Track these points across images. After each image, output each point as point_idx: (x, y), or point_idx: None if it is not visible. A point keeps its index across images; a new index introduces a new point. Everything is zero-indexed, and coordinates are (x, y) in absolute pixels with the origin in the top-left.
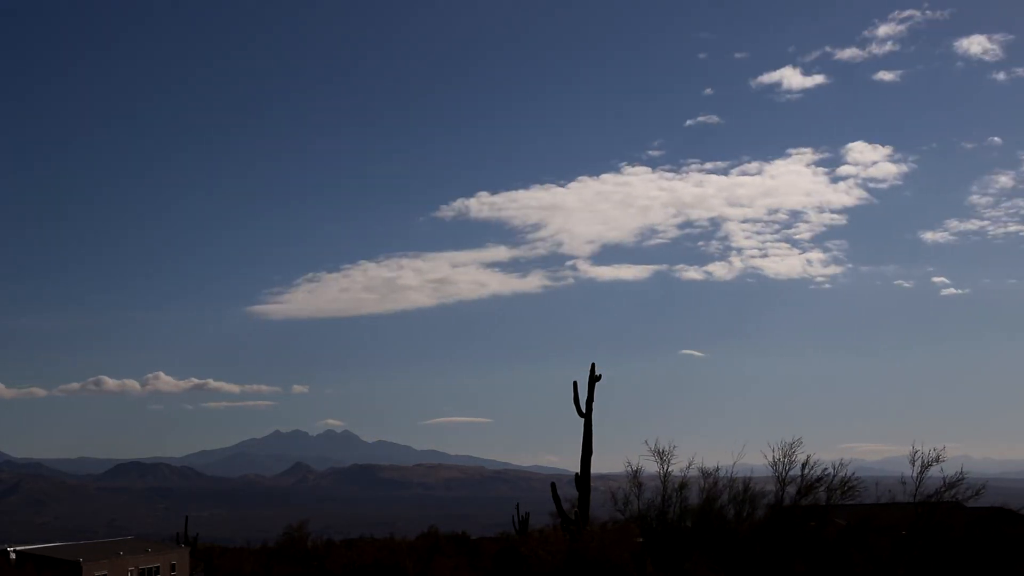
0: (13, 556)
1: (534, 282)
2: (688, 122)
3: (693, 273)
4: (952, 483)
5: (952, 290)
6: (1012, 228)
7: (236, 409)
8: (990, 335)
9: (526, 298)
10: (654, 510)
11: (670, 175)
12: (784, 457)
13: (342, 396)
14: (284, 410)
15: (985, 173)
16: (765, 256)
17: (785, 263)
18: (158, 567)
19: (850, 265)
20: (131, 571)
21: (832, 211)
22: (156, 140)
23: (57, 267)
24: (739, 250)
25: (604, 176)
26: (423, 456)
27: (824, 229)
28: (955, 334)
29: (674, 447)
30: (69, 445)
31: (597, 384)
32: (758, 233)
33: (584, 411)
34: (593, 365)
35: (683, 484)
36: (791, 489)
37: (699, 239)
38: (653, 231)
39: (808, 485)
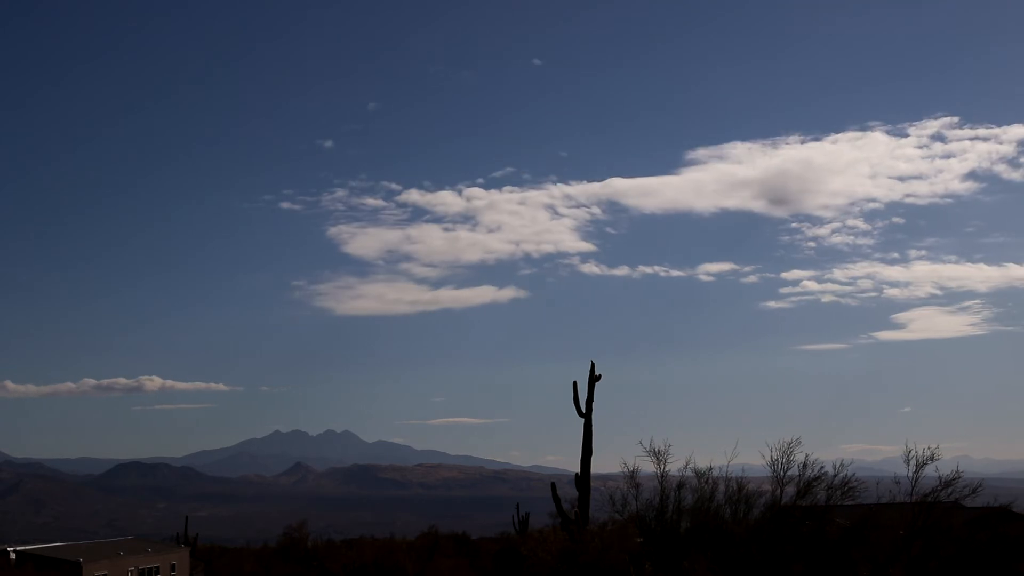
0: (13, 556)
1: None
2: None
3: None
4: (948, 481)
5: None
6: None
7: (236, 409)
8: (990, 334)
9: (526, 298)
10: (652, 511)
11: None
12: (783, 457)
13: (342, 396)
14: (284, 410)
15: None
16: None
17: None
18: (158, 567)
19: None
20: (131, 571)
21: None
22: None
23: (59, 267)
24: None
25: None
26: (423, 456)
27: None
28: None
29: (670, 447)
30: (69, 445)
31: (597, 384)
32: None
33: (584, 411)
34: (593, 365)
35: (680, 484)
36: (790, 489)
37: None
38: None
39: (807, 485)
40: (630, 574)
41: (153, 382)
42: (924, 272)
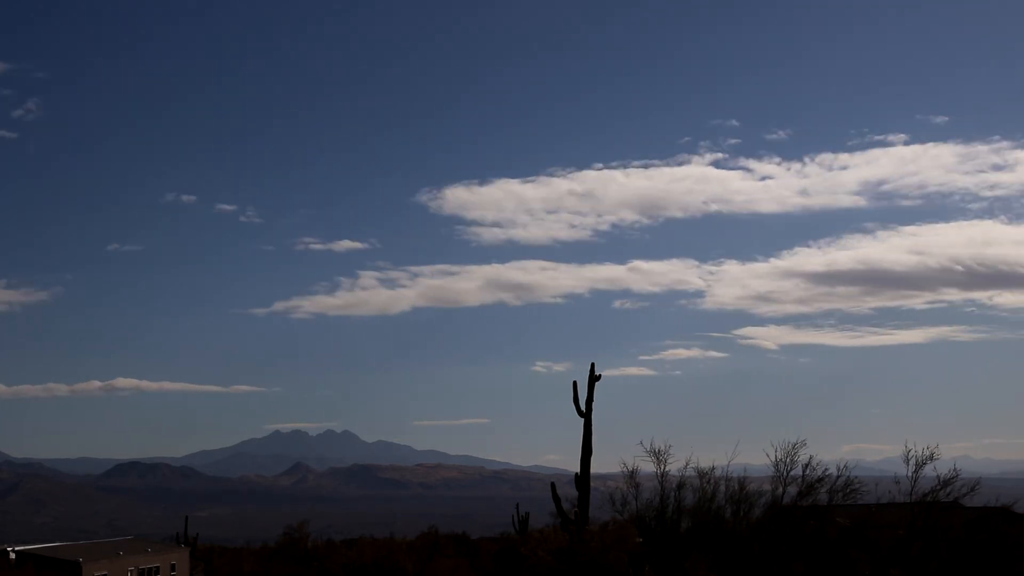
0: (13, 556)
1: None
2: None
3: None
4: (947, 481)
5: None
6: None
7: (236, 409)
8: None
9: (527, 298)
10: (652, 511)
11: None
12: (786, 457)
13: (342, 396)
14: (284, 410)
15: None
16: None
17: None
18: (158, 567)
19: None
20: (131, 571)
21: None
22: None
23: (57, 267)
24: None
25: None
26: (423, 456)
27: None
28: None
29: (670, 447)
30: (69, 445)
31: (597, 384)
32: None
33: (584, 411)
34: (593, 365)
35: (681, 484)
36: (792, 489)
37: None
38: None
39: (809, 485)
40: (629, 574)
41: (154, 382)
42: None
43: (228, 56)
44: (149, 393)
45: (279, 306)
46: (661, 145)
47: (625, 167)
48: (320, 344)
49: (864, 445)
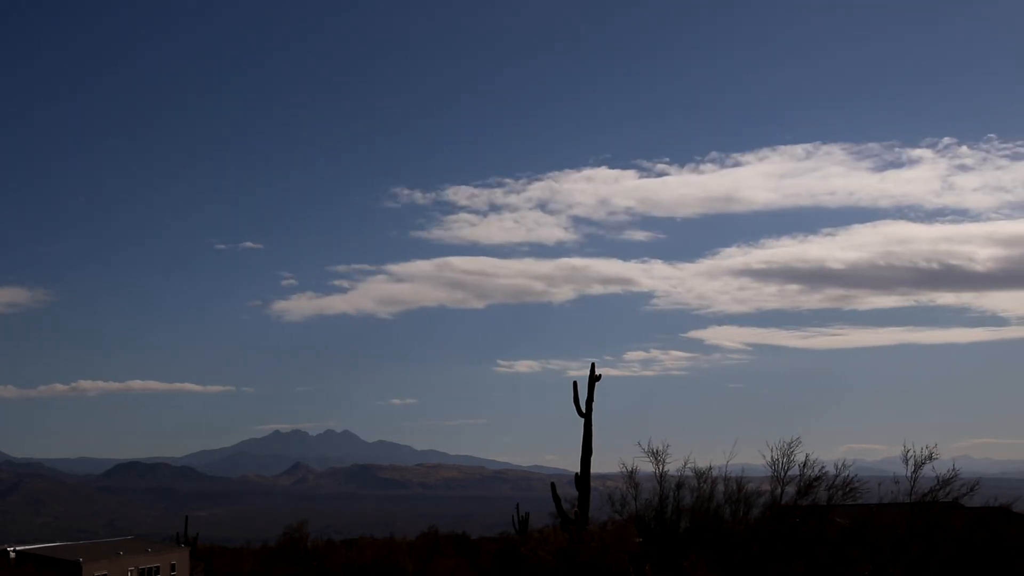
0: (13, 556)
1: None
2: None
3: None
4: (945, 480)
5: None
6: None
7: (236, 409)
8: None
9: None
10: (651, 511)
11: None
12: (783, 456)
13: (342, 396)
14: (284, 410)
15: None
16: None
17: None
18: (158, 567)
19: None
20: (131, 571)
21: None
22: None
23: (58, 267)
24: None
25: None
26: (423, 456)
27: None
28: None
29: (668, 446)
30: (69, 445)
31: (597, 384)
32: None
33: (584, 411)
34: (593, 365)
35: (680, 484)
36: (790, 489)
37: None
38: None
39: (807, 484)
40: (629, 574)
41: (154, 382)
42: None
43: (228, 56)
44: (149, 393)
45: (280, 306)
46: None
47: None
48: (320, 344)
49: (863, 445)
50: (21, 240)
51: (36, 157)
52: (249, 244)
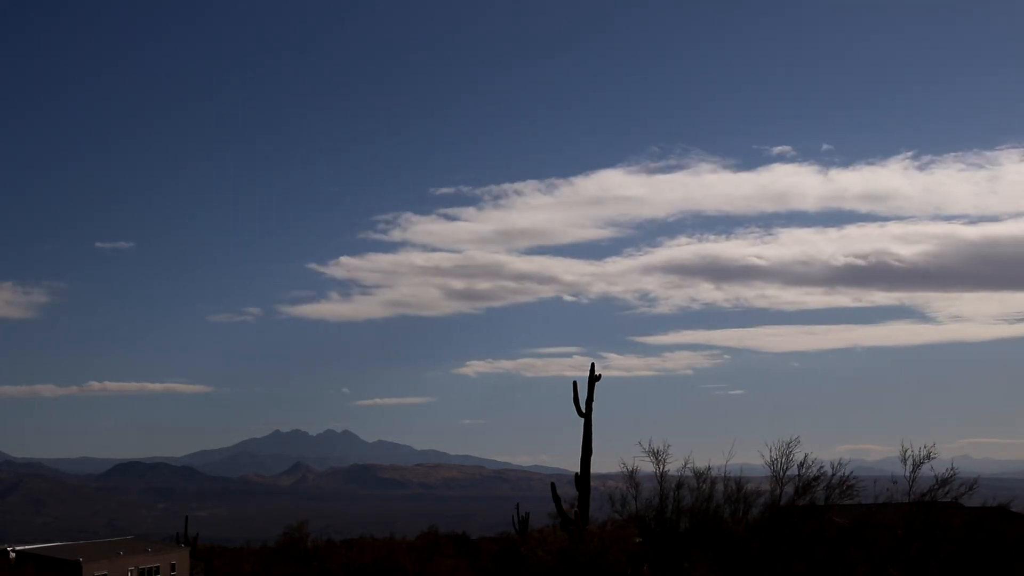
0: (13, 556)
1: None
2: None
3: None
4: (944, 480)
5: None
6: None
7: (236, 409)
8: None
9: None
10: (651, 510)
11: None
12: (782, 456)
13: (342, 396)
14: (284, 410)
15: None
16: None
17: None
18: (158, 567)
19: None
20: (131, 571)
21: None
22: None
23: (58, 268)
24: None
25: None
26: (423, 456)
27: None
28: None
29: (668, 446)
30: (69, 445)
31: (597, 384)
32: None
33: (584, 411)
34: (593, 365)
35: (680, 484)
36: (789, 488)
37: None
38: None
39: (806, 484)
40: (629, 574)
41: (153, 382)
42: None
43: (228, 56)
44: (149, 393)
45: (280, 306)
46: None
47: None
48: (321, 344)
49: (862, 445)
50: (21, 240)
51: (36, 157)
52: (249, 244)
